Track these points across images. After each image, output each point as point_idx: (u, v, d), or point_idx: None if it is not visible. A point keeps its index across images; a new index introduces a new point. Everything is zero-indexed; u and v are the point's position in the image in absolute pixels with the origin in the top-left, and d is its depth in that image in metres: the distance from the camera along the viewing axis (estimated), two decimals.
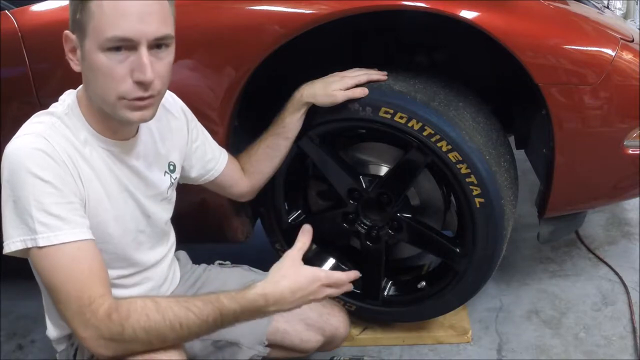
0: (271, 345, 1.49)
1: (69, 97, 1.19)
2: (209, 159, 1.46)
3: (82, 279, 1.08)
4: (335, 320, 1.54)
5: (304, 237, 1.26)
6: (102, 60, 1.06)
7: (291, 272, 1.19)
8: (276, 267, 1.20)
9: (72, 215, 1.09)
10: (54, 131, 1.12)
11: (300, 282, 1.17)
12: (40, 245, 1.06)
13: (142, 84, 1.08)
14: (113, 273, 1.23)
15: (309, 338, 1.52)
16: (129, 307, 1.08)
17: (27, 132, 1.11)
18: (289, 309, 1.18)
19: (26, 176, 1.06)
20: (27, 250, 1.08)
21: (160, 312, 1.08)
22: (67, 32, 1.10)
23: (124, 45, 1.05)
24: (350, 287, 1.26)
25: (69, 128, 1.15)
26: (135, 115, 1.12)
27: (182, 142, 1.38)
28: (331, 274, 1.22)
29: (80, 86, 1.20)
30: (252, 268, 1.56)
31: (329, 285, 1.21)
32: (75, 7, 1.07)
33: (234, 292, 1.14)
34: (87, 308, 1.06)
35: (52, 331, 1.32)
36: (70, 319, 1.08)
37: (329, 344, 1.58)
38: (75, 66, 1.12)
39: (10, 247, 1.08)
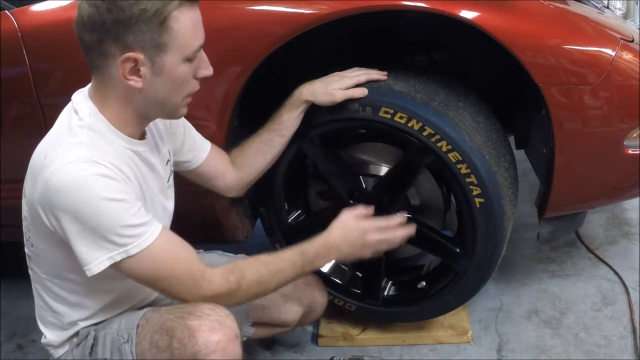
0: (254, 323, 1.54)
1: (85, 106, 1.18)
2: (188, 149, 1.46)
3: (185, 259, 1.21)
4: (311, 288, 1.60)
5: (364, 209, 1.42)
6: (184, 70, 1.15)
7: (340, 224, 1.38)
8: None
9: (146, 216, 1.16)
10: (97, 149, 1.13)
11: (353, 234, 1.36)
12: (132, 253, 1.13)
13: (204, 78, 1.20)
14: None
15: (288, 309, 1.57)
16: (241, 266, 1.27)
17: (74, 158, 1.10)
18: (344, 258, 1.44)
19: (101, 203, 1.10)
20: (114, 264, 1.13)
21: (265, 266, 1.28)
22: (127, 54, 1.10)
23: None
24: (406, 231, 1.41)
25: (104, 137, 1.16)
26: (186, 109, 1.24)
27: (167, 130, 1.39)
28: (376, 221, 1.39)
29: (86, 90, 1.21)
30: (225, 252, 1.59)
31: (378, 230, 1.38)
32: (151, 29, 1.09)
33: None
34: (201, 280, 1.20)
35: (53, 337, 1.33)
36: (186, 296, 1.22)
37: (310, 315, 1.62)
38: (137, 83, 1.13)
39: (99, 266, 1.13)
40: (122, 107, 1.18)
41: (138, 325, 1.28)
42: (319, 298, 1.61)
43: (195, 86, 1.21)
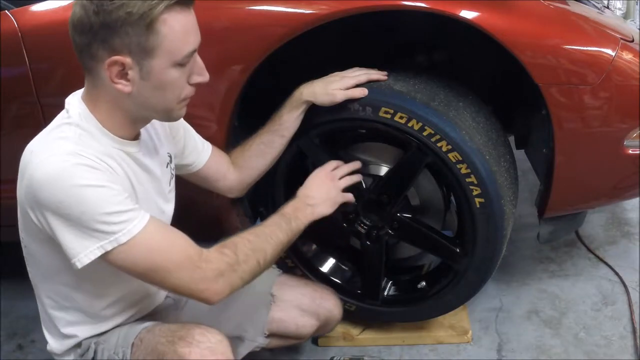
0: (269, 335, 1.54)
1: (77, 107, 1.18)
2: (190, 152, 1.46)
3: (180, 242, 1.17)
4: (328, 303, 1.60)
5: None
6: (173, 75, 1.13)
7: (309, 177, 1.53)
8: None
9: (132, 204, 1.13)
10: (82, 144, 1.12)
11: (314, 180, 1.51)
12: (123, 241, 1.09)
13: (199, 84, 1.18)
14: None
15: (304, 323, 1.56)
16: (232, 240, 1.24)
17: (57, 151, 1.09)
18: (323, 204, 1.48)
19: (82, 190, 1.07)
20: (105, 254, 1.10)
21: (254, 234, 1.28)
22: (115, 57, 1.08)
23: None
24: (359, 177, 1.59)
25: (92, 135, 1.15)
26: (184, 111, 1.22)
27: (166, 133, 1.39)
28: (336, 170, 1.56)
29: (81, 92, 1.20)
30: None
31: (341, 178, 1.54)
32: (138, 32, 1.07)
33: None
34: (200, 262, 1.16)
35: (55, 345, 1.32)
36: (188, 283, 1.16)
37: (324, 327, 1.63)
38: (125, 87, 1.12)
39: (88, 256, 1.09)
40: (113, 109, 1.16)
41: (133, 344, 1.26)
42: (336, 313, 1.62)
43: (189, 91, 1.18)
